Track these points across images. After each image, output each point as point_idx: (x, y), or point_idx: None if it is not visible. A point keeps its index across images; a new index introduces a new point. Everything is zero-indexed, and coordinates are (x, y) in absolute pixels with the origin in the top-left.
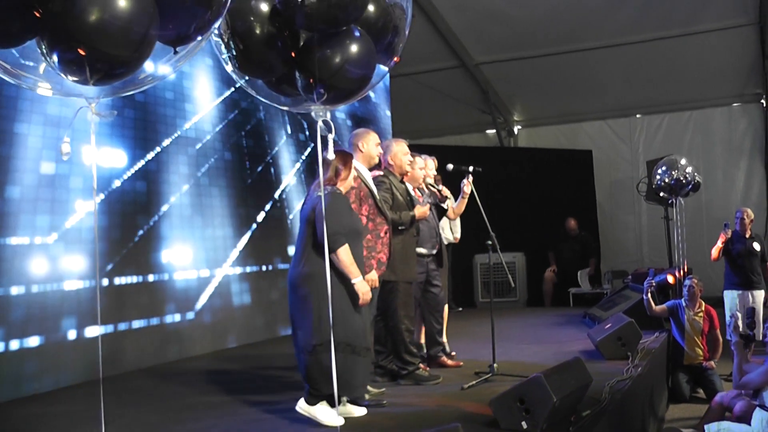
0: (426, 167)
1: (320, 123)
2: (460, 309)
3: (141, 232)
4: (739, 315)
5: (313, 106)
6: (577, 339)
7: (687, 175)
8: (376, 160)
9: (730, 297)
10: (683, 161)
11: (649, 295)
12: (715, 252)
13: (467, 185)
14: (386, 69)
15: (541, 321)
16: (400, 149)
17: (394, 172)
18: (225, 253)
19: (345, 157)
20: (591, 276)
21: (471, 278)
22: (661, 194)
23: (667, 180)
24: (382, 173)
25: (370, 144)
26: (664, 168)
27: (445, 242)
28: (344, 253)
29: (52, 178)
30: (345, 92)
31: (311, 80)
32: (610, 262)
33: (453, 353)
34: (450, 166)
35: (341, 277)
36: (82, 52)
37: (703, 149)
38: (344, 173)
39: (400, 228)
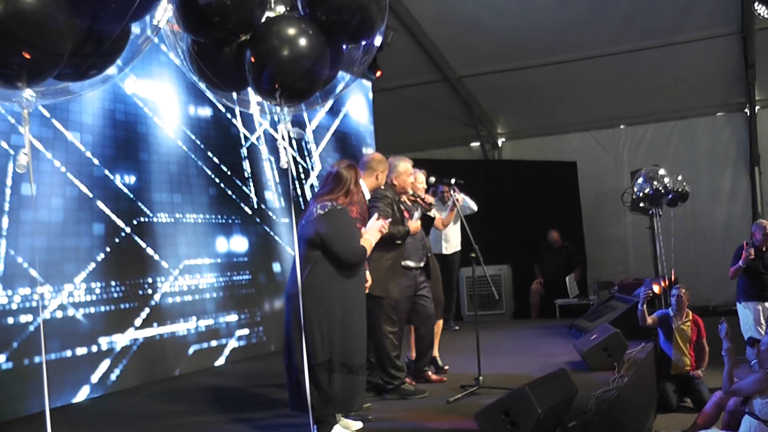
0: (416, 181)
1: (283, 127)
2: (457, 328)
3: (123, 250)
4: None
5: (275, 109)
6: (563, 350)
7: (667, 185)
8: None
9: (751, 309)
10: (662, 171)
11: (645, 306)
12: (734, 272)
13: (456, 194)
14: (353, 73)
15: (527, 333)
16: (405, 170)
17: (395, 189)
18: (210, 269)
19: (357, 173)
20: (578, 281)
21: (457, 291)
22: (641, 205)
23: (646, 191)
24: (382, 187)
25: (384, 176)
26: (642, 179)
27: (446, 252)
28: (368, 248)
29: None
30: (295, 89)
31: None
32: (596, 273)
33: (446, 367)
34: (431, 179)
35: (344, 292)
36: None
37: (688, 159)
38: (356, 197)
39: (397, 242)
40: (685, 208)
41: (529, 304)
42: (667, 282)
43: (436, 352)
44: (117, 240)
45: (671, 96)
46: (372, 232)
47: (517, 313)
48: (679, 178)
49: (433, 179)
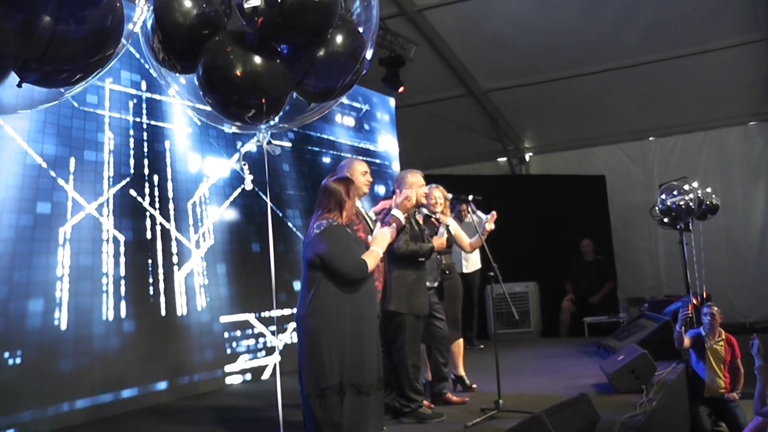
0: (431, 197)
1: (265, 146)
2: (482, 347)
3: (148, 276)
4: None
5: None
6: (590, 371)
7: (691, 200)
8: (365, 190)
9: None
10: (686, 186)
11: (683, 328)
12: None
13: (490, 222)
14: None
15: (554, 352)
16: (416, 181)
17: None
18: (228, 289)
19: (348, 185)
20: (603, 299)
21: (484, 310)
22: (665, 221)
23: (668, 205)
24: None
25: (356, 174)
26: (664, 195)
27: (466, 270)
28: (371, 264)
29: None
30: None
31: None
32: (627, 289)
33: (474, 385)
34: (449, 195)
35: (352, 310)
36: None
37: (720, 170)
38: (348, 204)
39: (420, 260)
40: (718, 220)
41: (559, 322)
42: (698, 299)
43: (461, 371)
44: (142, 266)
45: (701, 105)
46: (380, 241)
47: (546, 331)
48: (708, 190)
49: (450, 195)
